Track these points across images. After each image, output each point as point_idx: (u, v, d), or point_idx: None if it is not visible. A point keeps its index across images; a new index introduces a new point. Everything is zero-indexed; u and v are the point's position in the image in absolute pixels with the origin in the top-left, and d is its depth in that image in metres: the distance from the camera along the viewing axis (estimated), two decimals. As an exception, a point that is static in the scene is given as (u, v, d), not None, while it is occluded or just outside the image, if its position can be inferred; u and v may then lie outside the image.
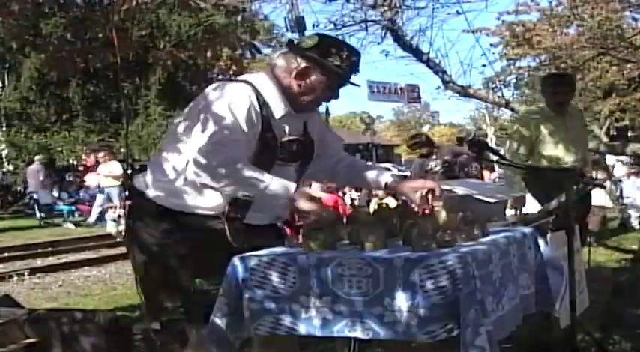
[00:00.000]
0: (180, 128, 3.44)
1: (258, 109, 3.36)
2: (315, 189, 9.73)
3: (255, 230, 3.45)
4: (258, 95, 3.39)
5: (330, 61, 3.40)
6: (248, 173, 3.23)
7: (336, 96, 3.59)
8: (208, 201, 3.38)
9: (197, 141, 3.27)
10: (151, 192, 3.47)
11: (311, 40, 3.47)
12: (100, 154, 20.93)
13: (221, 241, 3.37)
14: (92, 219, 21.19)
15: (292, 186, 3.26)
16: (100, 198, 20.70)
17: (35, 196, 23.16)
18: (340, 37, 7.17)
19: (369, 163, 3.91)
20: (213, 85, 3.50)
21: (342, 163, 3.90)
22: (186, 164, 3.33)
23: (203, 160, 3.22)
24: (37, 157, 25.00)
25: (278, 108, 3.44)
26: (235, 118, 3.28)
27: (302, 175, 3.73)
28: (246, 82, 3.45)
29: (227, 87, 3.43)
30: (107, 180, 19.86)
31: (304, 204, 3.22)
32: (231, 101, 3.31)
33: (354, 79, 3.55)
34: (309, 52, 3.43)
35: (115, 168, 19.77)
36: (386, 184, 3.73)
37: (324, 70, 3.42)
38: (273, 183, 3.23)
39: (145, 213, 3.51)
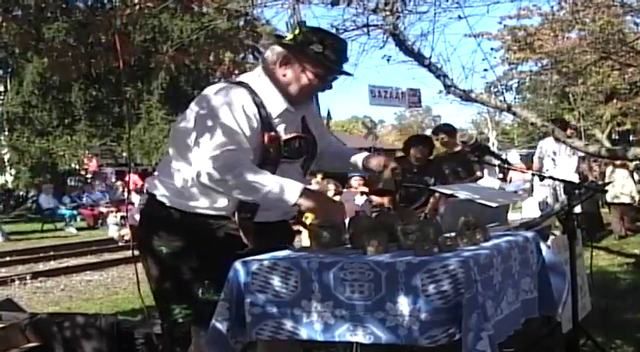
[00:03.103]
0: (183, 132, 3.44)
1: (255, 110, 3.36)
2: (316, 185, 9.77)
3: (266, 227, 3.47)
4: (255, 96, 3.40)
5: (312, 49, 3.39)
6: (250, 177, 3.23)
7: (328, 87, 3.59)
8: (218, 201, 3.40)
9: (200, 147, 3.28)
10: (162, 195, 3.49)
11: (293, 31, 3.49)
12: None
13: (233, 241, 3.41)
14: None
15: (296, 189, 3.23)
16: None
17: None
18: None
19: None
20: (212, 89, 3.48)
21: (329, 149, 3.92)
22: (192, 167, 3.35)
23: (206, 166, 3.23)
24: None
25: (276, 105, 3.44)
26: (235, 122, 3.29)
27: (308, 170, 3.74)
28: (241, 83, 3.47)
29: (224, 91, 3.41)
30: None
31: (308, 205, 3.24)
32: (230, 105, 3.32)
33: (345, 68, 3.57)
34: (290, 42, 3.44)
35: None
36: (363, 165, 3.78)
37: (305, 57, 3.41)
38: (276, 187, 3.22)
39: (156, 215, 3.53)
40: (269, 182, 3.23)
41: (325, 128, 4.13)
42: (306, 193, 3.23)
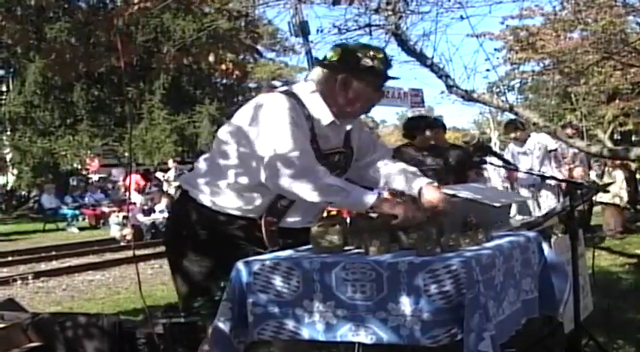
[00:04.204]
0: (232, 136, 3.51)
1: (304, 122, 3.43)
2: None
3: (290, 233, 3.54)
4: (303, 107, 3.47)
5: (364, 65, 3.45)
6: (328, 180, 3.32)
7: (382, 95, 3.69)
8: (249, 203, 3.49)
9: (266, 152, 3.33)
10: (195, 192, 3.60)
11: (335, 52, 3.54)
12: None
13: (256, 243, 3.51)
14: None
15: (372, 193, 3.32)
16: None
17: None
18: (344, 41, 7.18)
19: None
20: (264, 97, 3.53)
21: (383, 169, 3.89)
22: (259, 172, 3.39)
23: (280, 171, 3.28)
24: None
25: (323, 118, 3.50)
26: (296, 129, 3.35)
27: None
28: (292, 94, 3.52)
29: (279, 100, 3.46)
30: None
31: (385, 207, 3.28)
32: (288, 113, 3.38)
33: (390, 72, 3.62)
34: (339, 63, 3.49)
35: None
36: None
37: (363, 73, 3.47)
38: (354, 191, 3.30)
39: (187, 211, 3.63)
40: (346, 186, 3.33)
41: (378, 142, 4.15)
42: (380, 198, 3.30)
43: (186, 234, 3.62)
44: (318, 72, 3.59)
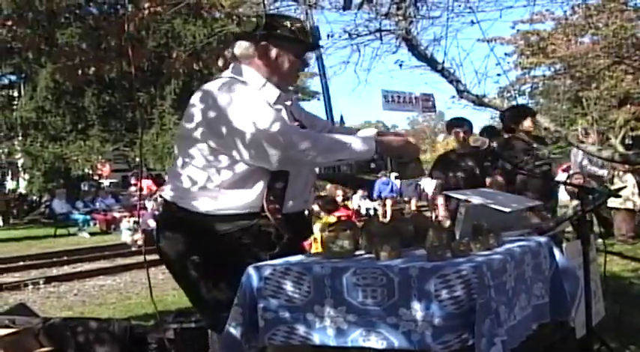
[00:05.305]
0: (199, 134, 3.37)
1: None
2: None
3: (291, 219, 3.45)
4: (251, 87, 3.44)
5: (280, 32, 3.47)
6: (328, 138, 3.33)
7: (307, 65, 3.72)
8: (244, 199, 3.37)
9: (248, 135, 3.22)
10: (184, 203, 3.43)
11: (252, 22, 3.54)
12: None
13: (266, 237, 3.39)
14: None
15: (369, 136, 3.37)
16: None
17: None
18: (355, 47, 7.20)
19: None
20: (214, 85, 3.44)
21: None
22: (215, 167, 3.34)
23: (274, 147, 3.19)
24: None
25: (271, 96, 3.45)
26: (265, 103, 3.33)
27: None
28: (233, 78, 3.47)
29: (230, 83, 3.41)
30: None
31: (387, 148, 3.39)
32: (248, 92, 3.35)
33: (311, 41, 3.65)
34: (255, 31, 3.48)
35: None
36: None
37: (280, 40, 3.48)
38: (353, 140, 3.31)
39: (176, 221, 3.49)
40: (344, 138, 3.34)
41: (317, 116, 4.09)
42: (377, 139, 3.34)
43: (184, 250, 3.49)
44: (239, 44, 3.53)
